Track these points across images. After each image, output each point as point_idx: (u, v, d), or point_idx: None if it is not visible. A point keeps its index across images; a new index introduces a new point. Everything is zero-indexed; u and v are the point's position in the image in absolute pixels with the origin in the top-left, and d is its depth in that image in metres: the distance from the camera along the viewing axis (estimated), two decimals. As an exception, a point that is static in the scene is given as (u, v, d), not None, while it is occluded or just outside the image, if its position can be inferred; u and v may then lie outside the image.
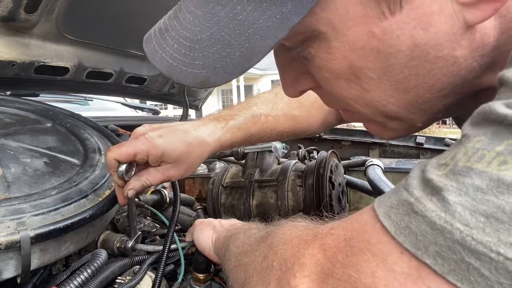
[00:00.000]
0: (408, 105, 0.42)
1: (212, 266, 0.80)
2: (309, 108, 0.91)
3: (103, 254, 0.71)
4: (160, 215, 0.91)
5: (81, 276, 0.65)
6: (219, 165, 1.35)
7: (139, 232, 0.82)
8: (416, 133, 2.08)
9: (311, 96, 0.87)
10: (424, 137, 1.83)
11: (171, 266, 0.82)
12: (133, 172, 0.71)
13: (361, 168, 1.33)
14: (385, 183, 1.06)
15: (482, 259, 0.26)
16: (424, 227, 0.29)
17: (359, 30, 0.37)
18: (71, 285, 0.63)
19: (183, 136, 0.73)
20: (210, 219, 0.83)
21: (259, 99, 0.89)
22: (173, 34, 0.40)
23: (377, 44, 0.37)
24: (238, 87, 19.82)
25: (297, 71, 0.47)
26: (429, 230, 0.29)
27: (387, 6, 0.35)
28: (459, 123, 0.51)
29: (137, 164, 0.71)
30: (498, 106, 0.29)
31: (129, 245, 0.78)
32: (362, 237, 0.34)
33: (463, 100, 0.43)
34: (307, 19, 0.35)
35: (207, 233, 0.75)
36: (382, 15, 0.36)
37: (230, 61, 0.37)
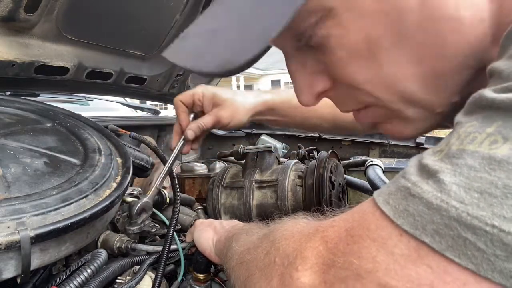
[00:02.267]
0: (423, 80, 0.43)
1: (212, 266, 0.80)
2: None
3: (103, 254, 0.71)
4: (160, 215, 0.91)
5: (81, 276, 0.65)
6: (219, 165, 1.35)
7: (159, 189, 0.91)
8: (416, 133, 2.07)
9: None
10: (424, 137, 1.83)
11: (171, 266, 0.82)
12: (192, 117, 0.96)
13: (361, 168, 1.33)
14: (385, 183, 1.06)
15: (478, 233, 0.27)
16: (421, 208, 0.30)
17: None
18: (71, 285, 0.63)
19: (233, 92, 0.96)
20: (211, 219, 0.83)
21: None
22: None
23: (385, 6, 0.39)
24: (238, 87, 19.84)
25: (311, 71, 0.47)
26: (426, 210, 0.29)
27: None
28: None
29: (196, 115, 0.95)
30: (487, 92, 0.31)
31: (154, 185, 0.88)
32: (362, 225, 0.34)
33: (475, 83, 0.43)
34: None
35: (208, 234, 0.75)
36: None
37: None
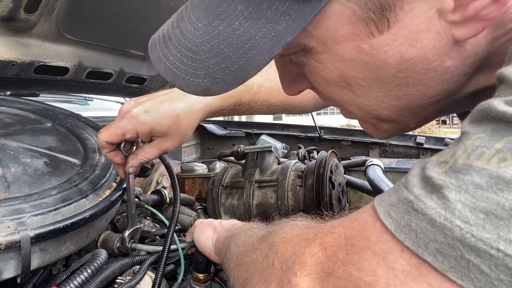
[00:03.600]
0: (400, 110, 0.43)
1: (212, 266, 0.80)
2: None
3: (103, 254, 0.71)
4: (160, 215, 0.91)
5: (81, 276, 0.65)
6: (219, 165, 1.34)
7: (139, 225, 0.81)
8: (416, 133, 2.08)
9: None
10: (424, 137, 1.83)
11: (171, 266, 0.82)
12: (134, 148, 0.74)
13: (361, 168, 1.33)
14: (385, 183, 1.06)
15: (482, 256, 0.26)
16: (424, 225, 0.29)
17: (348, 45, 0.38)
18: (71, 285, 0.63)
19: (170, 107, 0.72)
20: (210, 219, 0.83)
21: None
22: (175, 43, 0.41)
23: (366, 57, 0.39)
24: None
25: (294, 72, 0.48)
26: (429, 227, 0.29)
27: (375, 26, 0.37)
28: (464, 119, 0.52)
29: (133, 142, 0.74)
30: (497, 103, 0.30)
31: (126, 234, 0.76)
32: (363, 236, 0.34)
33: (459, 101, 0.44)
34: (299, 36, 0.37)
35: (208, 233, 0.75)
36: (371, 34, 0.37)
37: (229, 72, 0.39)
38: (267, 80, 0.87)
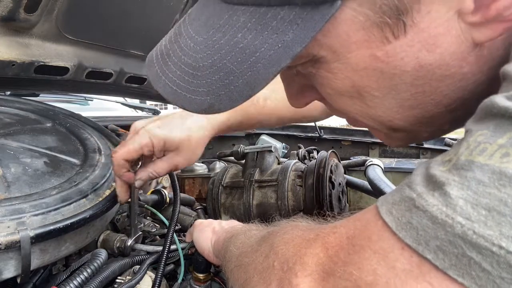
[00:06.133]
0: (414, 120, 0.42)
1: (212, 266, 0.80)
2: None
3: (103, 254, 0.71)
4: (160, 215, 0.91)
5: (81, 276, 0.65)
6: (219, 165, 1.34)
7: (140, 232, 0.82)
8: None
9: None
10: (424, 137, 1.83)
11: (171, 266, 0.82)
12: (139, 165, 0.74)
13: (361, 168, 1.33)
14: (385, 183, 1.06)
15: (484, 253, 0.26)
16: (425, 222, 0.29)
17: (361, 53, 0.36)
18: (71, 285, 0.63)
19: (181, 123, 0.74)
20: (210, 220, 0.83)
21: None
22: (175, 60, 0.39)
23: (380, 65, 0.36)
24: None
25: (300, 84, 0.46)
26: (430, 224, 0.28)
27: (391, 31, 0.34)
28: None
29: (144, 157, 0.73)
30: (499, 99, 0.29)
31: (129, 243, 0.78)
32: (364, 235, 0.34)
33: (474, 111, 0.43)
34: (308, 45, 0.35)
35: (207, 234, 0.75)
36: (386, 39, 0.35)
37: (234, 88, 0.36)
38: (273, 91, 0.85)
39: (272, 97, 0.85)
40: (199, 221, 0.83)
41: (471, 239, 0.26)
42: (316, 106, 0.91)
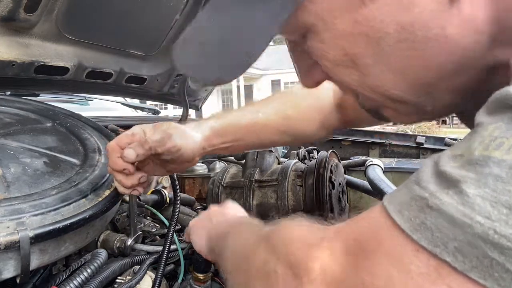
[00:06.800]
0: (410, 87, 0.41)
1: (212, 266, 0.80)
2: (305, 110, 0.87)
3: (103, 254, 0.71)
4: (160, 215, 0.91)
5: (81, 276, 0.65)
6: (219, 165, 1.34)
7: (139, 232, 0.82)
8: (416, 133, 2.08)
9: (307, 98, 0.85)
10: (424, 137, 1.83)
11: (171, 266, 0.82)
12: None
13: (361, 168, 1.33)
14: (385, 183, 1.06)
15: (507, 253, 0.24)
16: (441, 222, 0.27)
17: (344, 19, 0.38)
18: (71, 285, 0.63)
19: (176, 126, 0.74)
20: (203, 215, 0.82)
21: (251, 103, 0.89)
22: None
23: (365, 29, 0.37)
24: (238, 87, 19.78)
25: (308, 62, 0.47)
26: (447, 225, 0.27)
27: None
28: (463, 118, 0.50)
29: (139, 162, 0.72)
30: None
31: (128, 243, 0.78)
32: (373, 237, 0.32)
33: (477, 83, 0.41)
34: (298, 13, 0.38)
35: (201, 232, 0.75)
36: (362, 3, 0.36)
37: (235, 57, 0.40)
38: (264, 105, 0.85)
39: (263, 110, 0.85)
40: (193, 220, 0.82)
41: (493, 239, 0.25)
42: (314, 121, 0.87)
